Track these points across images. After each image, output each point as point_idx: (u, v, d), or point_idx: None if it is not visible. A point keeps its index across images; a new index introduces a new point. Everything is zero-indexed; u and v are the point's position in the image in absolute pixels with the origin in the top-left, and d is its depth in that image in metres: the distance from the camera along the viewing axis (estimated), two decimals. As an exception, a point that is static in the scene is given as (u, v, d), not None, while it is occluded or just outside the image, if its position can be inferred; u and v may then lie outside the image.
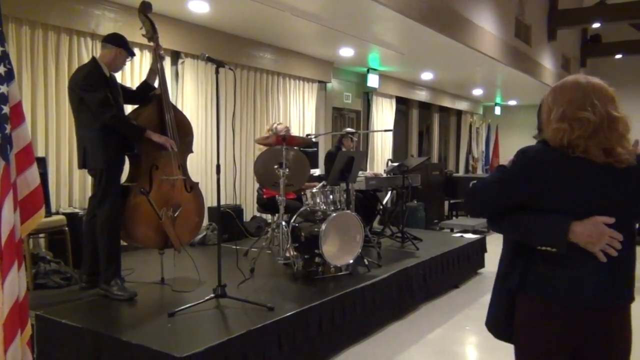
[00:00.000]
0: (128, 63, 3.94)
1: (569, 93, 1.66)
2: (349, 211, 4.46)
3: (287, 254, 4.40)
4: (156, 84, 4.01)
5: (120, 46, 3.66)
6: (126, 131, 3.63)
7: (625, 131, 1.63)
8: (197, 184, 4.19)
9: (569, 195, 1.63)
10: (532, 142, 1.78)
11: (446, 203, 10.30)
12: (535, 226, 1.66)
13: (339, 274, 4.24)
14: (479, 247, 6.23)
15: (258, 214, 6.30)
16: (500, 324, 1.82)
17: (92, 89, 3.46)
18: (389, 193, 7.04)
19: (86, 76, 3.50)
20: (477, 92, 11.96)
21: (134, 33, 4.19)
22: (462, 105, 12.78)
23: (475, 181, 1.89)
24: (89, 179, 4.64)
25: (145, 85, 4.00)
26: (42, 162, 4.22)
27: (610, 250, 1.59)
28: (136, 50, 5.10)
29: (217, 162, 3.53)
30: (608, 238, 1.58)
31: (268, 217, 6.17)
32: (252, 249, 4.98)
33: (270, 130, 5.25)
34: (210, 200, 5.77)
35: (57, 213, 4.46)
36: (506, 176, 1.72)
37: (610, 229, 1.59)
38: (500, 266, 1.82)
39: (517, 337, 1.77)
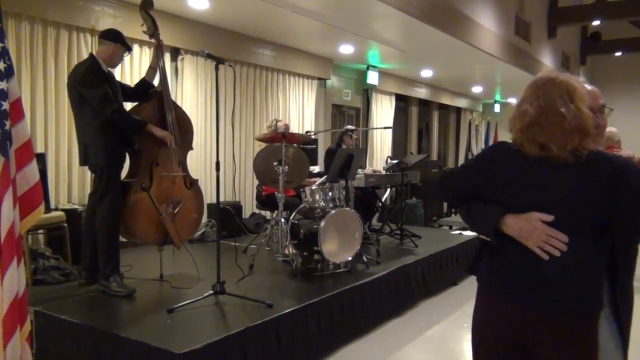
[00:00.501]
0: (127, 59, 3.93)
1: (527, 88, 1.65)
2: (348, 208, 4.46)
3: (286, 251, 4.40)
4: (155, 82, 4.01)
5: (117, 42, 3.65)
6: (128, 125, 3.63)
7: (572, 128, 1.50)
8: (197, 180, 4.19)
9: (507, 188, 1.62)
10: None
11: (445, 200, 10.29)
12: (476, 214, 1.71)
13: (338, 271, 4.25)
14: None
15: (257, 211, 6.30)
16: None
17: (93, 85, 3.45)
18: (388, 190, 7.05)
19: (85, 72, 3.49)
20: (477, 89, 11.94)
21: (134, 29, 4.19)
22: (461, 103, 12.77)
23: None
24: (89, 175, 4.64)
25: (144, 83, 4.00)
26: (41, 158, 4.21)
27: (548, 248, 1.52)
28: (136, 47, 5.10)
29: (216, 159, 3.52)
30: (544, 235, 1.52)
31: (267, 214, 6.18)
32: (251, 246, 4.98)
33: (269, 127, 5.25)
34: (209, 197, 5.78)
35: (56, 209, 4.46)
36: (463, 165, 1.88)
37: (547, 227, 1.52)
38: None
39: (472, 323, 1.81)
